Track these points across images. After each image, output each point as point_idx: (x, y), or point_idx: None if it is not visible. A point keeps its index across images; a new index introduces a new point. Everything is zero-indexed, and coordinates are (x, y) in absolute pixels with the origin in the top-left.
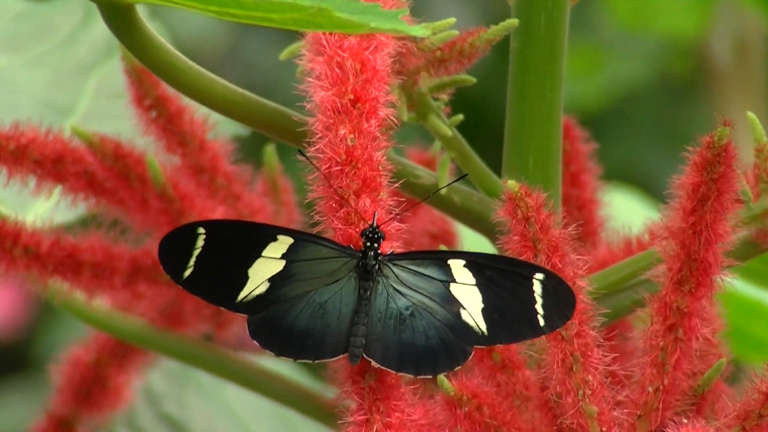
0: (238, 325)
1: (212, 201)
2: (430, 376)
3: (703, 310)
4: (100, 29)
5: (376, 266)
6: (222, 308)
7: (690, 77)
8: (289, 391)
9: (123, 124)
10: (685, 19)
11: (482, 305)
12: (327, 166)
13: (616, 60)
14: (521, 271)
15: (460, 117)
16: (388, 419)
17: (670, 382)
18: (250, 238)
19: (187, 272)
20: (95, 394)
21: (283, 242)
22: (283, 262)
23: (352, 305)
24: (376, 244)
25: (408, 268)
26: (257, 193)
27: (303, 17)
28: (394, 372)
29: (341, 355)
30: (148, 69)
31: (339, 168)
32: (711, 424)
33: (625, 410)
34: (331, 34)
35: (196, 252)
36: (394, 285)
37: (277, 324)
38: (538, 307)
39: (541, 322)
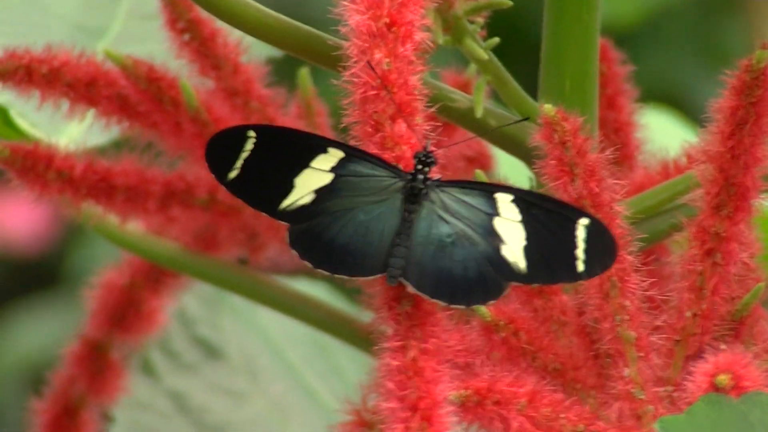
0: (273, 248)
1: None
2: (463, 307)
3: (741, 235)
4: None
5: (424, 190)
6: (263, 214)
7: None
8: (324, 316)
9: (156, 46)
10: None
11: (524, 243)
12: (362, 90)
13: None
14: (567, 214)
15: (496, 40)
16: (425, 345)
17: (708, 307)
18: (300, 147)
19: (233, 174)
20: (129, 317)
21: (334, 155)
22: (331, 176)
23: (395, 226)
24: (427, 168)
25: (454, 196)
26: (291, 116)
27: None
28: (428, 298)
29: (378, 275)
30: None
31: (374, 92)
32: (749, 349)
33: (663, 335)
34: None
35: (244, 155)
36: (439, 211)
37: (318, 236)
38: (579, 252)
39: (580, 267)
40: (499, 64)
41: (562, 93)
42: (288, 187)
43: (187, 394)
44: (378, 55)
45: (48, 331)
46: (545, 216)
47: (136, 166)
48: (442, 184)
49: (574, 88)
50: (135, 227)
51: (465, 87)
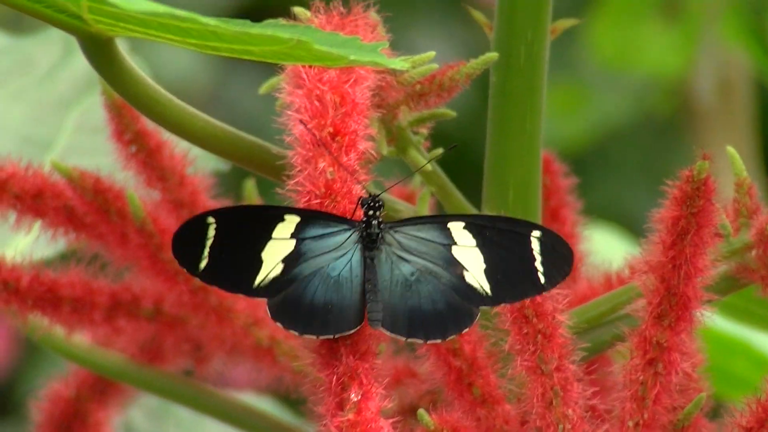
0: (218, 360)
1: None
2: (439, 341)
3: (683, 345)
4: (80, 63)
5: (380, 235)
6: (241, 295)
7: (674, 116)
8: (269, 426)
9: (103, 159)
10: (668, 57)
11: (484, 266)
12: (306, 199)
13: (600, 98)
14: (519, 230)
15: (440, 151)
16: None
17: (650, 417)
18: (259, 222)
19: (203, 264)
20: (75, 429)
21: (291, 222)
22: (293, 242)
23: (361, 276)
24: (378, 213)
25: (409, 234)
26: None
27: (282, 50)
28: (404, 339)
29: (357, 327)
30: (128, 103)
31: (318, 201)
32: None
33: None
34: (310, 67)
35: (209, 242)
36: (398, 252)
37: (296, 304)
38: (538, 264)
39: (542, 279)
40: (443, 174)
41: (506, 203)
42: (257, 263)
43: None
44: (322, 164)
45: None
46: (499, 236)
47: (83, 277)
48: (395, 225)
49: (518, 198)
50: (81, 339)
51: (409, 197)
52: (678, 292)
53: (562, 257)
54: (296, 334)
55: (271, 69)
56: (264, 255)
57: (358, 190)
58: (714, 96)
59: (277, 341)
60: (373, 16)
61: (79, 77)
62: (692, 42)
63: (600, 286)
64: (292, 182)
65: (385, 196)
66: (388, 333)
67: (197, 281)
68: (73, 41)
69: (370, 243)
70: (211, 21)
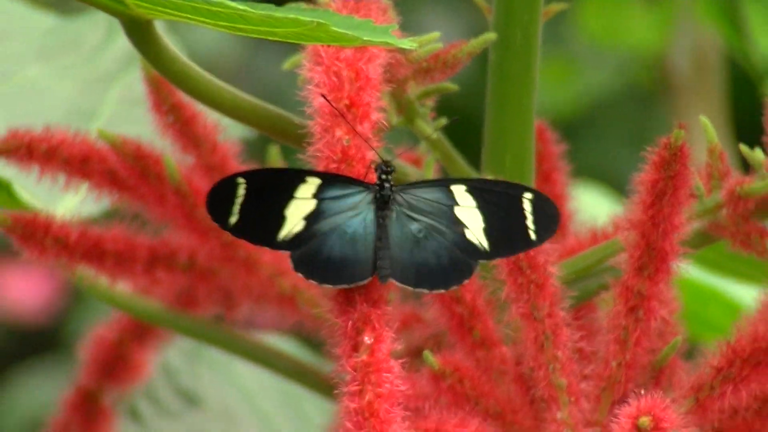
0: (247, 307)
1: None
2: (442, 291)
3: (661, 294)
4: (122, 42)
5: (391, 197)
6: (266, 248)
7: (653, 88)
8: (292, 366)
9: (143, 128)
10: (648, 35)
11: (483, 225)
12: (325, 164)
13: (587, 72)
14: (513, 192)
15: (444, 121)
16: (380, 389)
17: (632, 358)
18: (283, 183)
19: (233, 219)
20: (118, 369)
21: (312, 183)
22: (314, 202)
23: (374, 233)
24: (390, 176)
25: (417, 195)
26: None
27: (303, 31)
28: (412, 289)
29: (369, 278)
30: (165, 78)
31: (335, 166)
32: (668, 395)
33: (591, 383)
34: (328, 46)
35: (239, 200)
36: (406, 211)
37: (315, 257)
38: (529, 223)
39: (533, 236)
40: (446, 142)
41: (503, 168)
42: (281, 220)
43: None
44: (339, 132)
45: (49, 393)
46: (496, 198)
47: (125, 233)
48: (404, 187)
49: (514, 164)
50: (123, 288)
51: (416, 163)
52: (657, 247)
53: (550, 217)
54: (315, 283)
55: (294, 47)
56: (287, 213)
57: (371, 156)
58: (689, 71)
59: (299, 290)
60: (384, 0)
61: (121, 55)
62: (670, 22)
63: (587, 240)
64: (312, 149)
65: (395, 161)
66: (397, 284)
67: (227, 236)
68: (116, 23)
69: (382, 204)
70: (239, 5)
